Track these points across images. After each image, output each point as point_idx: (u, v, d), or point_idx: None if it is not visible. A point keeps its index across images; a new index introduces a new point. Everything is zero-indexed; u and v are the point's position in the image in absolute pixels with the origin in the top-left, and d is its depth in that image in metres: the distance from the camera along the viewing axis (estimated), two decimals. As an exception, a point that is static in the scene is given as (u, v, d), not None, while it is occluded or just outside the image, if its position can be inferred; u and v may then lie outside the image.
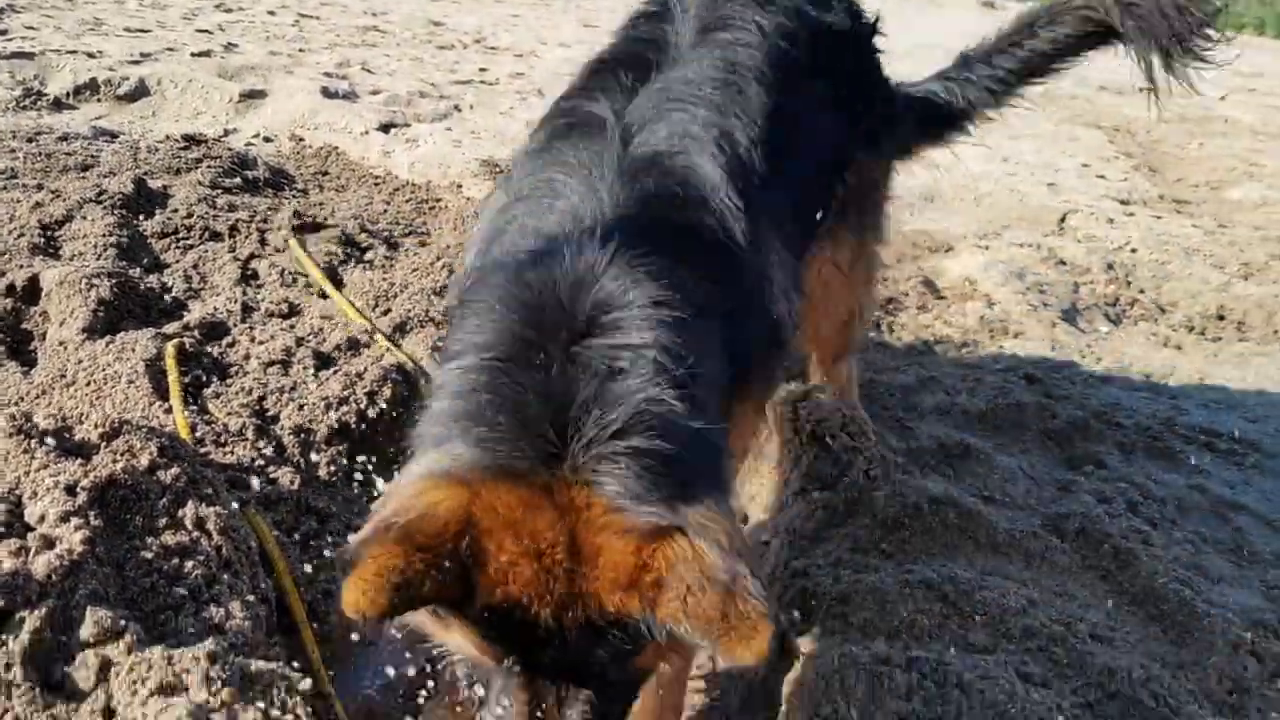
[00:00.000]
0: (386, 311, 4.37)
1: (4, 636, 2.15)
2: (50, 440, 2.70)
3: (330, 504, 3.43)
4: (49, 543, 2.36)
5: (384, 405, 3.69)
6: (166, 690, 2.13)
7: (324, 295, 4.50)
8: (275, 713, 2.23)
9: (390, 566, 1.56)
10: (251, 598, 2.60)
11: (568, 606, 1.71)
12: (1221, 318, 6.59)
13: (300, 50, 10.22)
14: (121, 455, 2.69)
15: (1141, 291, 6.89)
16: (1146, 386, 5.11)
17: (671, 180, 2.38)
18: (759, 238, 2.48)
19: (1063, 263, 7.02)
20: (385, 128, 7.54)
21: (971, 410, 4.11)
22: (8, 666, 2.10)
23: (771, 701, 2.84)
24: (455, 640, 1.92)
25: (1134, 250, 7.53)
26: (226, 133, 7.43)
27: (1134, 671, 2.81)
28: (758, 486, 3.75)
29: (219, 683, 2.19)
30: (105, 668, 2.17)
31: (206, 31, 10.49)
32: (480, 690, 2.11)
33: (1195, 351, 5.97)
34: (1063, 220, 8.13)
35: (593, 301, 1.93)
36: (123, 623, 2.25)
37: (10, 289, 4.20)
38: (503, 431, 1.76)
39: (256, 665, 2.31)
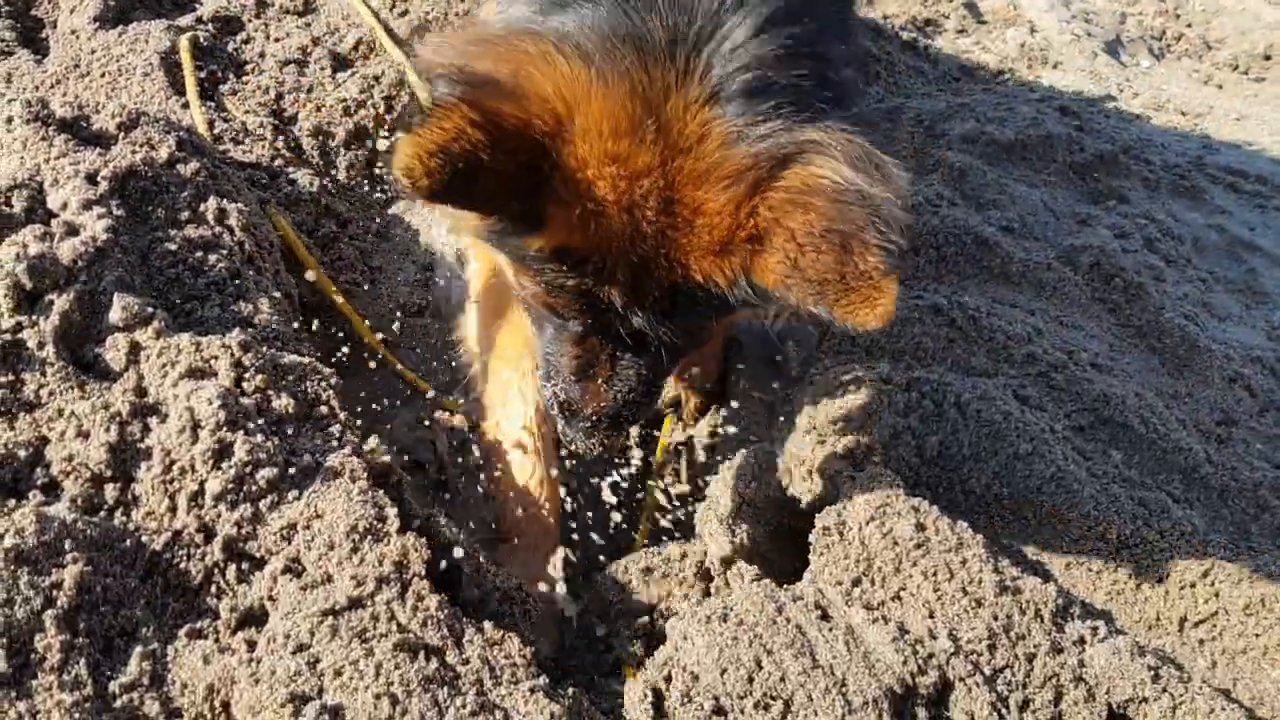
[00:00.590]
0: (404, 14, 4.22)
1: (35, 316, 2.22)
2: (68, 129, 2.69)
3: (349, 208, 3.47)
4: (73, 229, 2.39)
5: (400, 110, 3.64)
6: (196, 374, 2.22)
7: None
8: (307, 403, 2.34)
9: (462, 145, 1.37)
10: (277, 294, 2.66)
11: (649, 271, 1.59)
12: (1268, 58, 6.31)
13: None
14: (141, 146, 2.69)
15: (1189, 25, 6.59)
16: (1181, 124, 4.98)
17: None
18: None
19: (1114, -11, 6.69)
20: None
21: (1000, 139, 4.02)
22: (40, 345, 2.19)
23: (775, 416, 2.95)
24: (514, 275, 1.82)
25: (1188, -16, 7.16)
26: None
27: (1128, 399, 2.89)
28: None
29: (251, 370, 2.28)
30: (135, 350, 2.26)
31: None
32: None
33: (1236, 91, 5.78)
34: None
35: None
36: (150, 309, 2.32)
37: (17, -27, 4.06)
38: (624, 19, 1.56)
39: (289, 357, 2.41)
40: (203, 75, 3.63)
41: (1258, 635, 2.35)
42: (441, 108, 1.41)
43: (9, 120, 2.66)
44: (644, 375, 1.90)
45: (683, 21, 1.55)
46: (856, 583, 2.24)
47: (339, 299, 2.95)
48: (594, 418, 1.96)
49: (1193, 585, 2.43)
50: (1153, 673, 2.12)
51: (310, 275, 2.94)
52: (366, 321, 2.98)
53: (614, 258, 1.59)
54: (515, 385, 2.48)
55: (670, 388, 2.81)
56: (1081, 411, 2.86)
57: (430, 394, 2.83)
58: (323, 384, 2.39)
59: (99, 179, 2.53)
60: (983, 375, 2.89)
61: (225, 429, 2.09)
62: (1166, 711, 2.09)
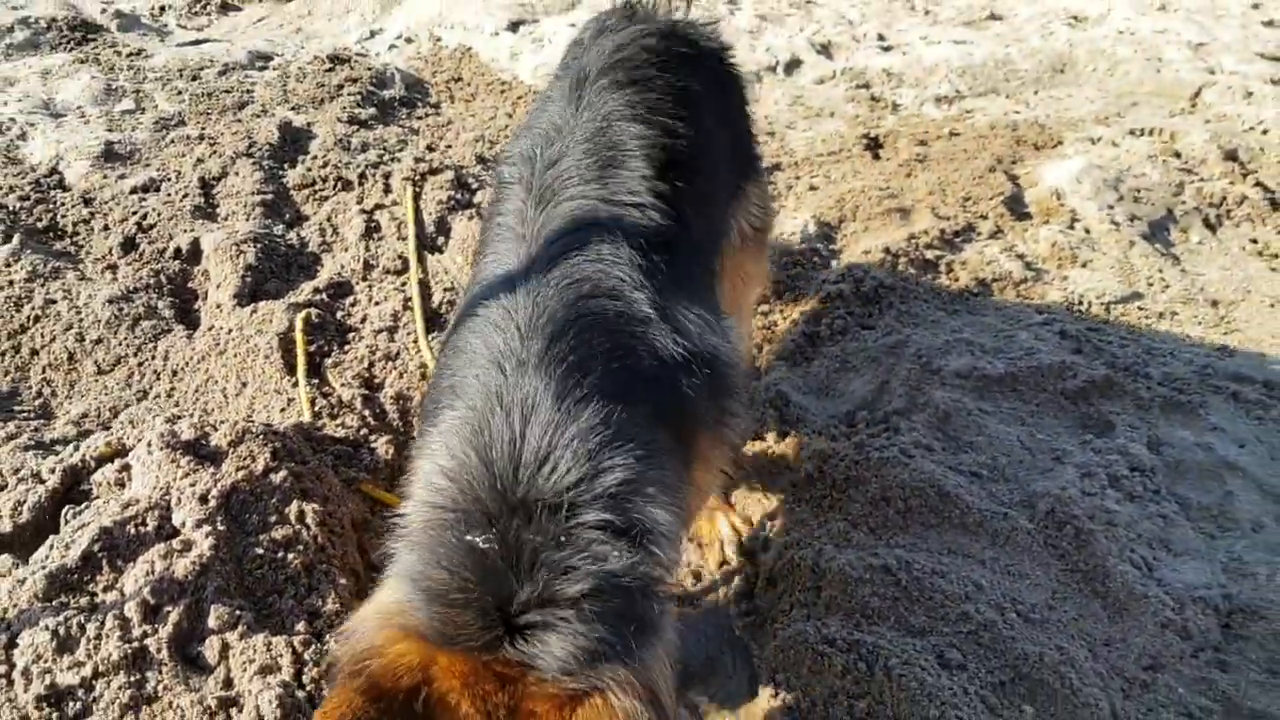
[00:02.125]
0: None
1: (157, 626, 3.06)
2: (191, 450, 3.56)
3: (421, 463, 4.25)
4: (187, 546, 3.24)
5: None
6: (265, 671, 3.00)
7: (431, 250, 5.20)
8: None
9: (351, 713, 1.92)
10: (343, 580, 3.45)
11: None
12: (1339, 216, 6.48)
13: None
14: (244, 461, 3.54)
15: (1257, 184, 6.78)
16: (1206, 319, 5.28)
17: None
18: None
19: (1177, 155, 6.96)
20: (514, 25, 7.99)
21: (991, 374, 4.49)
22: (158, 648, 3.02)
23: (747, 665, 3.55)
24: None
25: (1265, 132, 7.32)
26: (372, 34, 8.05)
27: (1047, 655, 3.35)
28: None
29: (310, 664, 3.06)
30: (225, 649, 3.07)
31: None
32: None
33: (1289, 266, 6.00)
34: (1196, 95, 7.91)
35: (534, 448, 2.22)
36: (238, 613, 3.14)
37: (178, 252, 5.09)
38: (459, 597, 2.05)
39: (337, 641, 3.17)
40: (313, 349, 4.51)
41: None
42: (332, 691, 2.01)
43: (149, 445, 3.56)
44: None
45: (500, 611, 2.03)
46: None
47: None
48: None
49: (1063, 847, 2.90)
50: None
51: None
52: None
53: None
54: None
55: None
56: (1003, 668, 3.35)
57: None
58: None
59: (209, 498, 3.38)
60: (919, 634, 3.41)
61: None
62: None
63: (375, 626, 2.15)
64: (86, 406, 4.34)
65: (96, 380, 4.48)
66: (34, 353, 4.53)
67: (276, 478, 3.55)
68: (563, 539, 2.09)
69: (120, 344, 4.57)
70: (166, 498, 3.41)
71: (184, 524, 3.33)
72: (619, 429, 2.31)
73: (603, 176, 2.86)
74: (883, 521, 3.87)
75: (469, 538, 2.12)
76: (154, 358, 4.55)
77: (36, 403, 4.38)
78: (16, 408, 4.33)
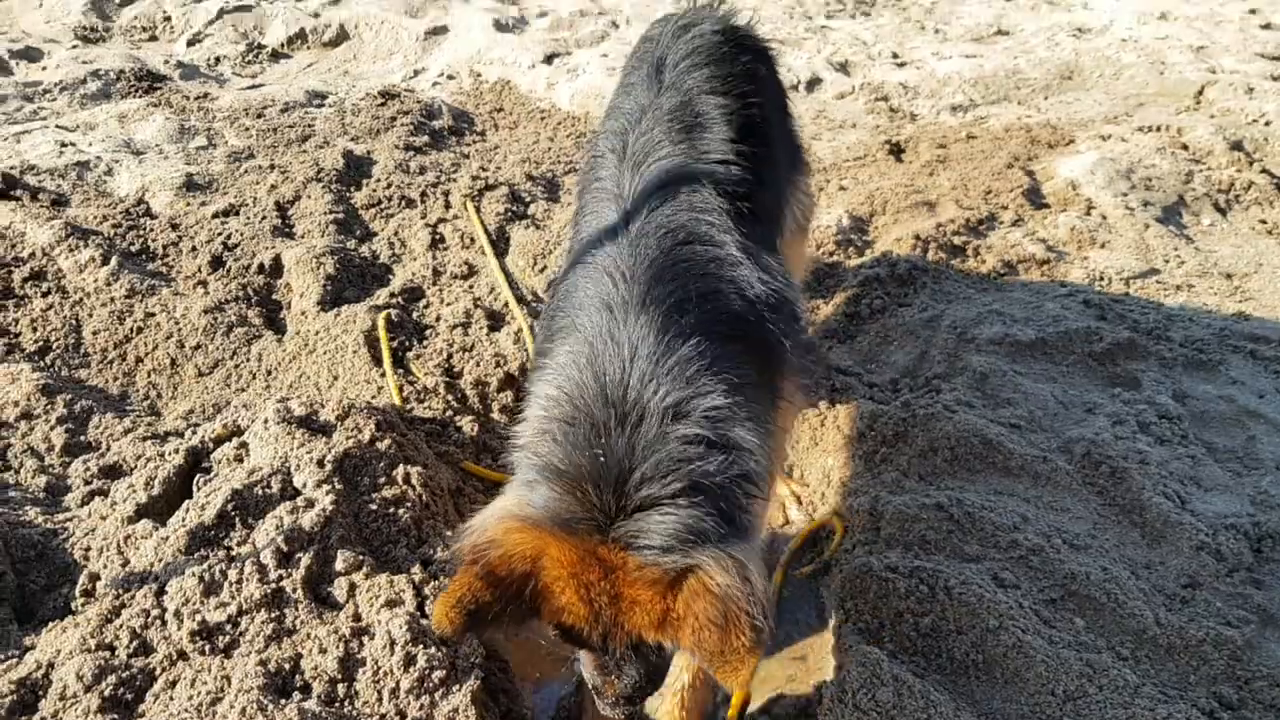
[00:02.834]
0: (542, 269, 5.44)
1: (290, 570, 3.42)
2: (304, 424, 3.94)
3: (503, 442, 4.62)
4: (310, 504, 3.60)
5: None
6: (391, 604, 3.36)
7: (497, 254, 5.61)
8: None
9: (471, 595, 2.25)
10: (449, 533, 3.81)
11: (613, 635, 2.39)
12: (1345, 198, 6.82)
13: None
14: (352, 432, 3.91)
15: (1264, 171, 7.14)
16: (1221, 289, 5.63)
17: None
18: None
19: (1184, 147, 7.33)
20: (549, 58, 8.46)
21: (1023, 339, 4.84)
22: (293, 589, 3.38)
23: (816, 599, 3.88)
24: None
25: (1268, 124, 7.69)
26: (415, 73, 8.54)
27: (1093, 574, 3.67)
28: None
29: (430, 597, 3.41)
30: (353, 589, 3.42)
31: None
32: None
33: (1297, 242, 6.33)
34: (1200, 93, 8.30)
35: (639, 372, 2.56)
36: (361, 557, 3.50)
37: (261, 267, 5.50)
38: (571, 492, 2.37)
39: (447, 582, 3.53)
40: (395, 344, 4.90)
41: (1164, 767, 3.10)
42: (456, 574, 2.33)
43: (265, 421, 3.94)
44: (637, 676, 2.65)
45: (609, 498, 2.34)
46: (848, 736, 3.14)
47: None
48: (613, 698, 2.69)
49: (1118, 729, 3.20)
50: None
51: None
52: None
53: (588, 629, 2.41)
54: None
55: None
56: (1053, 587, 3.67)
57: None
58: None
59: (325, 463, 3.74)
60: (972, 561, 3.74)
61: (411, 644, 3.21)
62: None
63: (494, 520, 2.47)
64: (191, 405, 4.73)
65: (198, 382, 4.87)
66: (139, 360, 4.93)
67: (382, 445, 3.92)
68: (664, 445, 2.40)
69: (217, 349, 4.96)
70: (286, 464, 3.78)
71: (304, 485, 3.69)
72: (713, 361, 2.63)
73: (689, 139, 3.24)
74: (931, 469, 4.21)
75: (582, 442, 2.44)
76: (249, 359, 4.94)
77: (144, 404, 4.77)
78: (128, 408, 4.72)
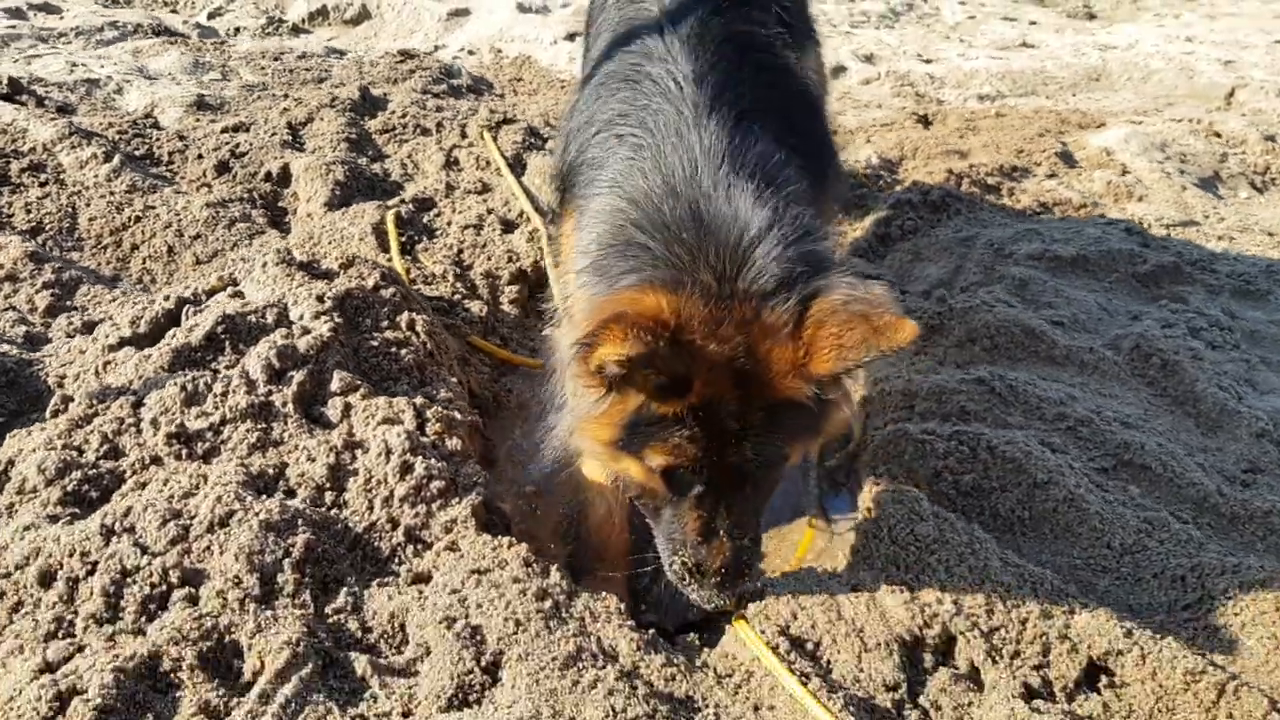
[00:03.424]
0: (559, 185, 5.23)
1: (281, 387, 3.15)
2: (305, 269, 3.69)
3: (511, 331, 4.36)
4: (306, 330, 3.34)
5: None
6: (388, 421, 3.08)
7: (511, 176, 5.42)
8: (466, 444, 3.17)
9: (635, 336, 2.06)
10: (453, 379, 3.54)
11: (751, 399, 2.27)
12: (1383, 183, 6.64)
13: (502, -29, 11.17)
14: (355, 278, 3.66)
15: (1298, 161, 6.99)
16: (1264, 242, 5.41)
17: None
18: None
19: (1217, 134, 7.18)
20: (571, 36, 8.37)
21: (1063, 255, 4.60)
22: (283, 403, 3.11)
23: (851, 469, 3.59)
24: (633, 476, 2.49)
25: (1301, 121, 7.56)
26: (436, 48, 8.45)
27: (1148, 446, 3.39)
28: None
29: (431, 419, 3.13)
30: (348, 409, 3.15)
31: (419, -41, 11.57)
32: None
33: (1340, 213, 6.13)
34: (1230, 95, 8.18)
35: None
36: (358, 381, 3.22)
37: (269, 175, 5.30)
38: (683, 257, 2.33)
39: (460, 415, 3.26)
40: (403, 238, 4.67)
41: (1236, 614, 2.79)
42: (602, 329, 2.13)
43: (264, 264, 3.69)
44: (753, 515, 2.56)
45: (728, 264, 2.31)
46: (885, 567, 2.83)
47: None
48: (723, 570, 2.51)
49: (1182, 578, 2.89)
50: (1126, 630, 2.61)
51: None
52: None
53: (729, 396, 2.28)
54: None
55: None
56: (1104, 456, 3.39)
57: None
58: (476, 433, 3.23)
59: (326, 299, 3.49)
60: (1018, 428, 3.46)
61: (409, 454, 2.93)
62: (1138, 660, 2.57)
63: (626, 288, 2.35)
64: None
65: (195, 269, 4.63)
66: (134, 247, 4.69)
67: (386, 293, 3.67)
68: (758, 226, 2.39)
69: (217, 239, 4.73)
70: (283, 300, 3.53)
71: (301, 316, 3.44)
72: (786, 162, 2.73)
73: None
74: (970, 358, 3.95)
75: (672, 235, 2.41)
76: (251, 251, 4.70)
77: (137, 287, 4.52)
78: (119, 288, 4.47)
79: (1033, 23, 10.57)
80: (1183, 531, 3.03)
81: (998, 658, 2.59)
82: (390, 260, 4.42)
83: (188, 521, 2.69)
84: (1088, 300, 4.34)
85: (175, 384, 3.13)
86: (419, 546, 2.81)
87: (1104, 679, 2.59)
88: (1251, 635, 2.76)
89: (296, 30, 8.69)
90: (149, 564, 2.56)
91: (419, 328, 3.60)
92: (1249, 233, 5.56)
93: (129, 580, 2.53)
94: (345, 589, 2.62)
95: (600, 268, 2.55)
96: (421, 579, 2.71)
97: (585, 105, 3.18)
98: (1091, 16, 11.27)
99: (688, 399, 2.27)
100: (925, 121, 6.92)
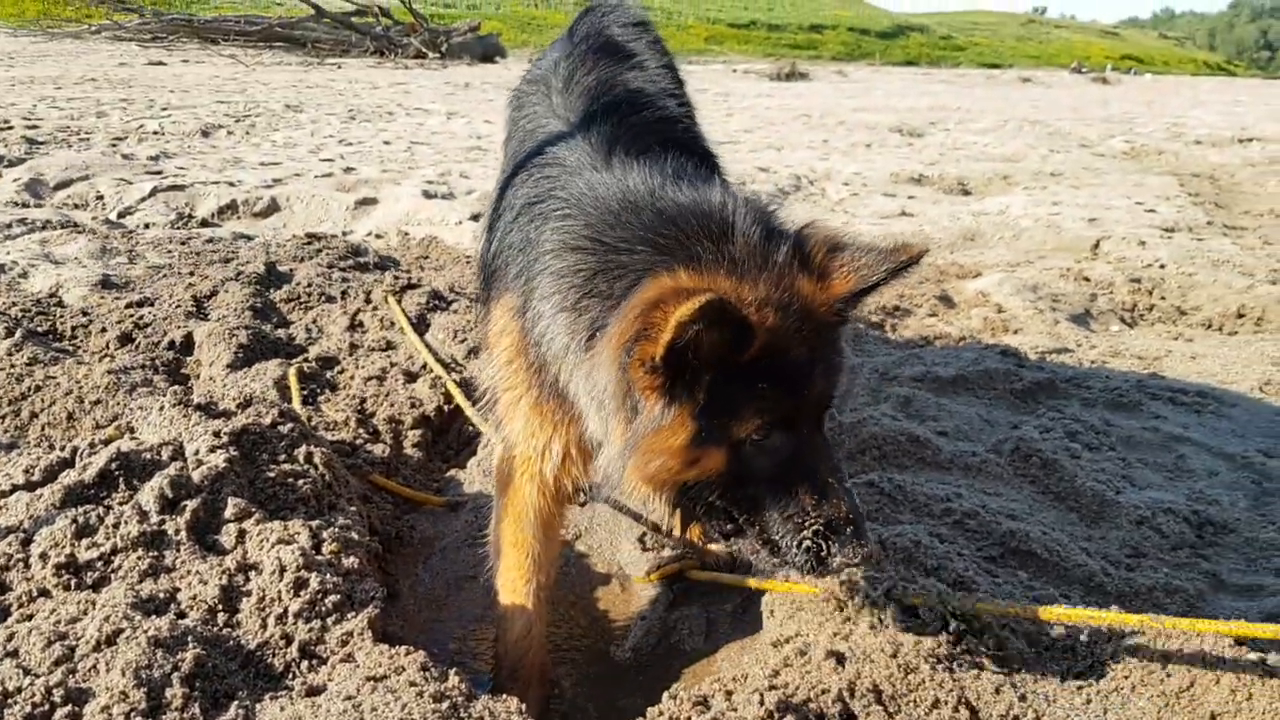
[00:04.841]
0: (463, 340, 5.37)
1: (174, 516, 3.13)
2: (201, 410, 3.72)
3: (414, 473, 4.39)
4: (200, 463, 3.35)
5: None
6: (284, 542, 3.07)
7: (417, 334, 5.54)
8: (363, 563, 3.16)
9: (687, 301, 2.10)
10: (352, 509, 3.55)
11: (805, 326, 2.31)
12: (1241, 315, 7.07)
13: (409, 168, 11.61)
14: (252, 415, 3.70)
15: (1163, 298, 7.44)
16: (1134, 365, 5.71)
17: None
18: None
19: (1086, 279, 7.64)
20: (476, 216, 8.70)
21: (944, 376, 4.83)
22: (175, 531, 3.09)
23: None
24: (717, 469, 2.40)
25: (1163, 266, 8.07)
26: (344, 233, 8.70)
27: (1033, 534, 3.50)
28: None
29: (328, 540, 3.13)
30: (242, 535, 3.13)
31: (329, 160, 11.99)
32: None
33: (1203, 341, 6.50)
34: (1096, 246, 8.74)
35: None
36: (253, 509, 3.22)
37: (171, 344, 5.35)
38: (672, 245, 2.41)
39: (357, 536, 3.26)
40: (305, 391, 4.73)
41: (1125, 677, 2.85)
42: (646, 317, 2.21)
43: (161, 408, 3.72)
44: (837, 459, 2.57)
45: (716, 235, 2.41)
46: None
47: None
48: (853, 519, 2.46)
49: (1073, 649, 2.96)
50: (1021, 695, 2.66)
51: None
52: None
53: (787, 329, 2.31)
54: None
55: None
56: (992, 545, 3.49)
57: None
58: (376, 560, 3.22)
59: (222, 434, 3.51)
60: (907, 524, 3.55)
61: (303, 570, 2.91)
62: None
63: (666, 281, 2.32)
64: (84, 450, 4.45)
65: (95, 433, 4.61)
66: (33, 415, 4.68)
67: (284, 429, 3.70)
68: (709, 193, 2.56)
69: (118, 403, 4.73)
70: (179, 438, 3.54)
71: (197, 451, 3.45)
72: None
73: (624, 63, 3.40)
74: (862, 466, 4.07)
75: (652, 221, 2.51)
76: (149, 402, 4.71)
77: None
78: (14, 453, 4.42)
79: (911, 197, 11.24)
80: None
81: (896, 727, 2.60)
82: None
83: (74, 643, 2.64)
84: (969, 413, 4.53)
85: (66, 518, 3.10)
86: (314, 661, 2.77)
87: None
88: (1142, 695, 2.82)
89: (205, 223, 8.89)
90: (31, 684, 2.49)
91: (317, 460, 3.63)
92: (1120, 357, 5.86)
93: (10, 702, 2.45)
94: (236, 703, 2.56)
95: (582, 308, 2.56)
96: (316, 691, 2.66)
97: (502, 196, 3.29)
98: (966, 192, 12.01)
99: (757, 344, 2.26)
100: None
